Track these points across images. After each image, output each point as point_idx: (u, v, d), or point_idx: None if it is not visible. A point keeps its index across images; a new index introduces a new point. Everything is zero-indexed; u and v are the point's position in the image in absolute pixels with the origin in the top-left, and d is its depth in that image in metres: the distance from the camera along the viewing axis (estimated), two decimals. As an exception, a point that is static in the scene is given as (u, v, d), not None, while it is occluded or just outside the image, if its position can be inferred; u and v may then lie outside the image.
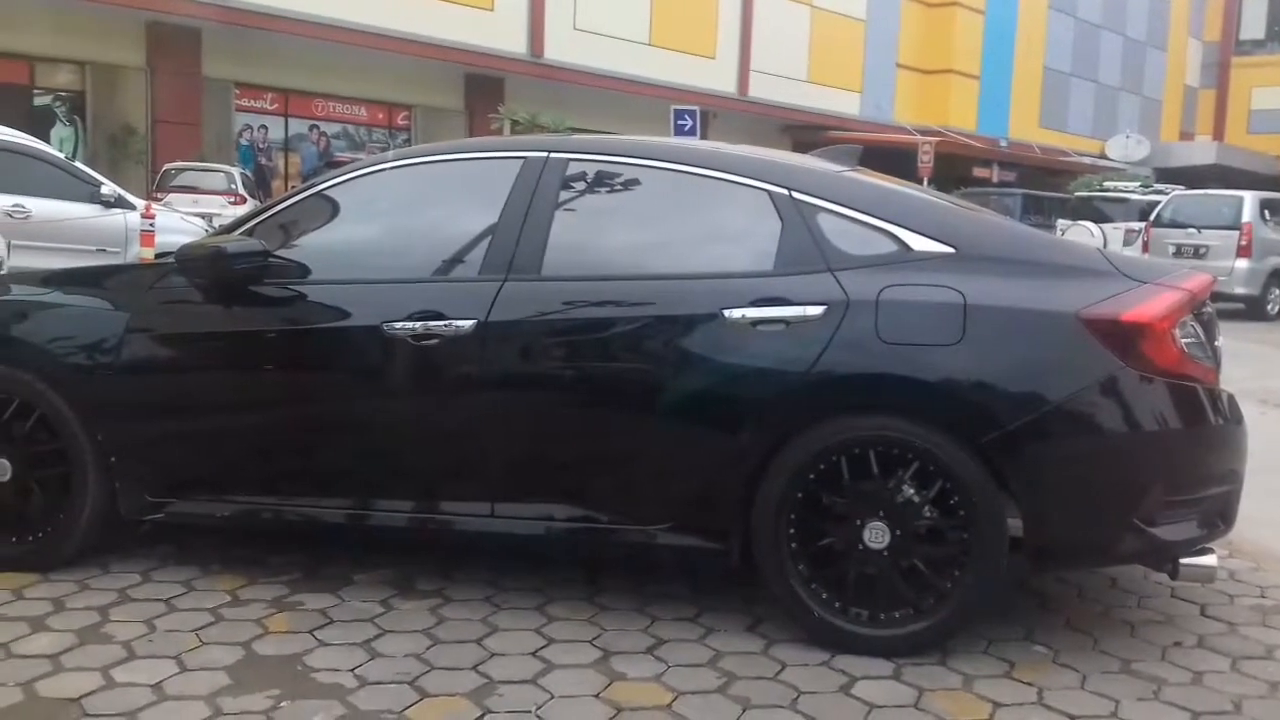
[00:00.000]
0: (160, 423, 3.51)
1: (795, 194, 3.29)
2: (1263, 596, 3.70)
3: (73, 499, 3.50)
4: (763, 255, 3.26)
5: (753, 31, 29.99)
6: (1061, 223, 20.02)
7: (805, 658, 3.05)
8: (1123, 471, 3.04)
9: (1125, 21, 43.70)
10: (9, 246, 8.53)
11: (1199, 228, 15.83)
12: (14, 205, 10.01)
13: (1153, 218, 16.80)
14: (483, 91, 24.73)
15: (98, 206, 10.77)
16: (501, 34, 24.27)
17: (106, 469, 3.49)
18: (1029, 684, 2.94)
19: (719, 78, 29.11)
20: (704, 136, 19.12)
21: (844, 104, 32.71)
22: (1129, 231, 18.35)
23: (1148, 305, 3.03)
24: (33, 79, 20.16)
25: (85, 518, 3.50)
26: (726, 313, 3.13)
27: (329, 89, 23.86)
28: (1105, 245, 15.00)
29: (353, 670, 2.90)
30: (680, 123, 17.77)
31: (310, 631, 3.14)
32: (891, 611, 3.07)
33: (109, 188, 11.01)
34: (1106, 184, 26.73)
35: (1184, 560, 3.10)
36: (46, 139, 15.28)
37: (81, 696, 2.70)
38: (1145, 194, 22.01)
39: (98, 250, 10.55)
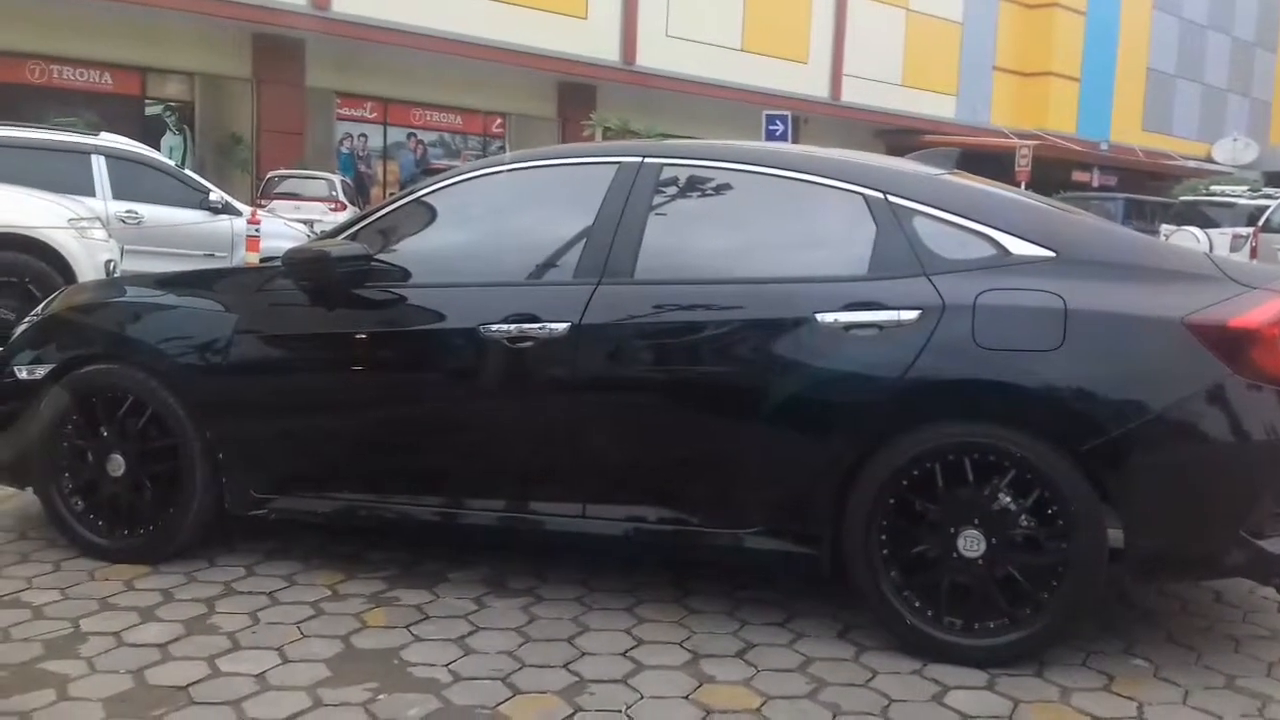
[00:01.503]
0: (266, 421, 3.62)
1: (891, 197, 3.26)
2: (1379, 615, 3.57)
3: (182, 494, 3.62)
4: (857, 259, 3.24)
5: (846, 35, 29.77)
6: (1166, 228, 19.45)
7: (897, 665, 3.03)
8: (1229, 482, 2.95)
9: (1233, 21, 42.35)
10: (122, 251, 8.87)
11: (1312, 233, 15.28)
12: (127, 211, 10.42)
13: (1261, 222, 16.25)
14: (575, 99, 24.98)
15: (206, 212, 11.17)
16: (594, 42, 24.51)
17: (214, 466, 3.61)
18: (1129, 698, 2.88)
19: (811, 82, 28.93)
20: (796, 141, 19.01)
21: (939, 107, 32.26)
22: (1236, 237, 17.75)
23: (1257, 311, 2.95)
24: (144, 89, 20.98)
25: (193, 512, 3.62)
26: (819, 316, 3.12)
27: (426, 98, 24.36)
28: (1211, 250, 14.52)
29: (447, 665, 2.96)
30: (772, 128, 17.63)
31: (407, 627, 3.21)
32: (986, 621, 3.02)
33: (216, 194, 11.41)
34: (1213, 188, 25.90)
35: (1293, 575, 3.00)
36: (157, 147, 15.88)
37: (189, 684, 2.80)
38: (1254, 198, 21.24)
39: (205, 254, 10.94)
